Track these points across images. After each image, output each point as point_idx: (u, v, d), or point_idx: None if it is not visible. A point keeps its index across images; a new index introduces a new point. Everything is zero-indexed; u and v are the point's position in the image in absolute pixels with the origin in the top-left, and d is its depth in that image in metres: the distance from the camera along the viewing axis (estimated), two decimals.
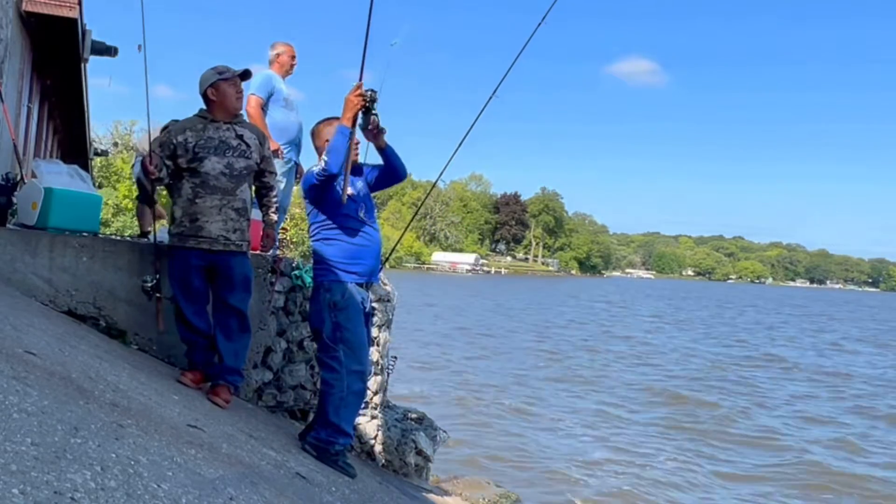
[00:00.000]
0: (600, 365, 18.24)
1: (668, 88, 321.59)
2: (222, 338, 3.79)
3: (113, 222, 36.18)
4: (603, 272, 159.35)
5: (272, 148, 4.83)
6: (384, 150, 3.82)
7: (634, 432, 11.15)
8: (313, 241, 3.82)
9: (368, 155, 3.94)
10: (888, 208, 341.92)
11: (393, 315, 5.33)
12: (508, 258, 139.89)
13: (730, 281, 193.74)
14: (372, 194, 3.97)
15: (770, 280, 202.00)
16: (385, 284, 5.20)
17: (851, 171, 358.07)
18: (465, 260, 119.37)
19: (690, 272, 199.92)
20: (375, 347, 5.07)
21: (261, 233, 4.11)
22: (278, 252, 4.99)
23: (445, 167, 5.41)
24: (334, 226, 3.73)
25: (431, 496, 5.23)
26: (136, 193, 6.25)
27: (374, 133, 3.72)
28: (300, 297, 4.78)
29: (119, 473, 1.73)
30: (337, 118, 3.69)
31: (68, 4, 7.35)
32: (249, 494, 2.23)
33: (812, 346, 27.16)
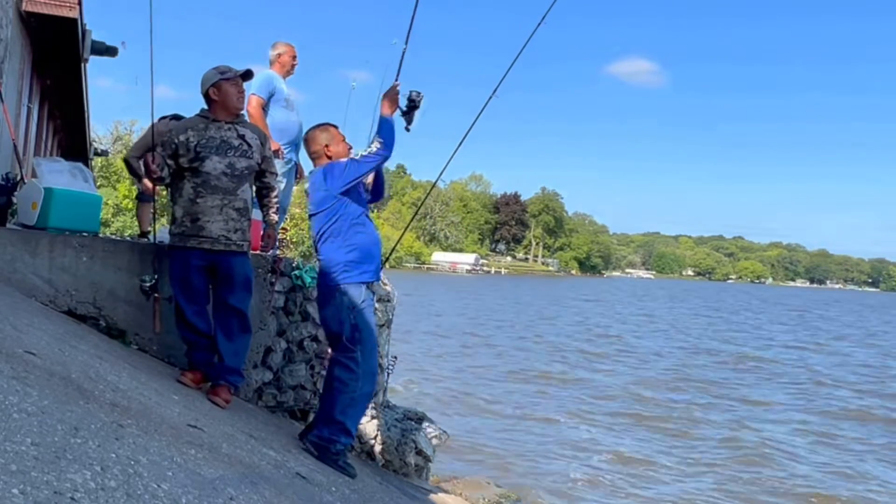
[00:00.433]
0: (601, 365, 18.24)
1: (668, 88, 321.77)
2: (223, 338, 3.79)
3: (113, 222, 36.21)
4: (603, 272, 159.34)
5: (272, 148, 4.83)
6: (378, 171, 3.96)
7: (635, 432, 11.15)
8: (331, 241, 3.78)
9: None
10: (888, 208, 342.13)
11: (393, 315, 5.33)
12: (508, 258, 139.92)
13: (730, 281, 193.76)
14: None
15: (770, 280, 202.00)
16: (385, 284, 5.20)
17: (851, 171, 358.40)
18: (465, 260, 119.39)
19: (690, 272, 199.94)
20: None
21: (261, 233, 4.11)
22: (278, 252, 4.99)
23: (445, 167, 5.42)
24: (350, 226, 3.77)
25: (431, 496, 5.23)
26: (135, 193, 6.25)
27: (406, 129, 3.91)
28: (300, 297, 4.78)
29: (119, 473, 1.73)
30: (331, 125, 3.91)
31: (68, 4, 7.35)
32: (249, 494, 2.23)
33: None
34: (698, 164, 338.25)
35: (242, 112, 4.01)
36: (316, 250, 3.96)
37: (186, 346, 3.93)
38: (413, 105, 3.84)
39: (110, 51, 9.11)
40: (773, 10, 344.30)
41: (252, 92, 5.25)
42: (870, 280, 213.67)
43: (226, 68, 3.88)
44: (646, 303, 54.39)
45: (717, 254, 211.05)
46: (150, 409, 2.72)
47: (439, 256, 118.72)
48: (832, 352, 24.91)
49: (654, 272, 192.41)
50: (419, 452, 5.33)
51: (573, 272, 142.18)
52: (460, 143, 4.95)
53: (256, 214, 4.07)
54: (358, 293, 3.76)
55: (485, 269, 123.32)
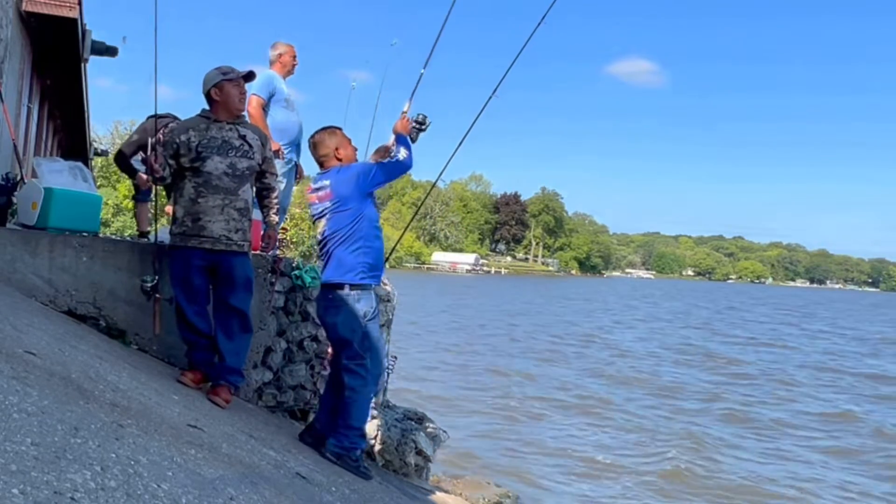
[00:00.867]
0: (602, 365, 18.24)
1: (668, 88, 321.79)
2: (223, 338, 3.79)
3: (113, 222, 36.22)
4: (603, 272, 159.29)
5: (273, 148, 4.83)
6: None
7: (635, 432, 11.15)
8: (343, 247, 3.80)
9: None
10: (888, 208, 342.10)
11: (393, 315, 5.33)
12: (508, 258, 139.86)
13: (730, 281, 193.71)
14: None
15: (770, 280, 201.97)
16: (385, 284, 5.20)
17: (851, 171, 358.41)
18: (465, 260, 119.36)
19: (690, 272, 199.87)
20: None
21: (261, 233, 4.11)
22: (278, 252, 4.99)
23: (445, 167, 5.43)
24: (370, 228, 3.84)
25: (431, 496, 5.23)
26: (134, 193, 6.23)
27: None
28: (300, 297, 4.78)
29: (119, 473, 1.73)
30: (337, 127, 4.02)
31: (68, 4, 7.35)
32: (249, 494, 2.23)
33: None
34: (698, 164, 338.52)
35: (243, 113, 4.01)
36: (323, 250, 3.94)
37: (187, 346, 3.93)
38: (420, 127, 4.09)
39: (110, 51, 9.10)
40: (773, 10, 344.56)
41: (252, 92, 5.24)
42: (870, 280, 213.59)
43: (228, 69, 3.87)
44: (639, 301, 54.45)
45: (717, 254, 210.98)
46: (150, 409, 2.72)
47: (439, 256, 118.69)
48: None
49: (654, 272, 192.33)
50: (419, 452, 5.33)
51: (573, 272, 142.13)
52: (460, 143, 4.97)
53: (257, 215, 4.07)
54: (370, 301, 3.83)
55: (485, 269, 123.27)
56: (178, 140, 3.74)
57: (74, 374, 2.59)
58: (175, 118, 5.38)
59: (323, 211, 3.86)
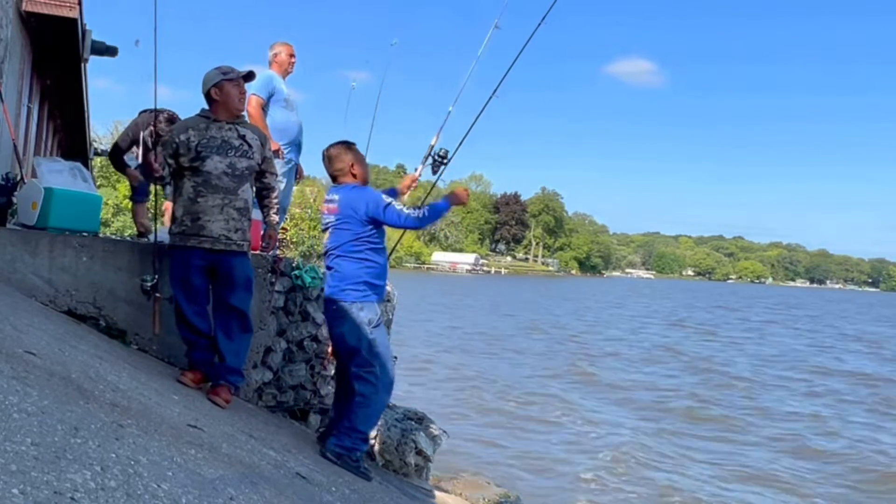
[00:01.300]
0: (600, 365, 18.24)
1: (667, 88, 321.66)
2: (223, 338, 3.79)
3: (113, 222, 36.20)
4: (603, 272, 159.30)
5: (272, 148, 4.83)
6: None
7: (635, 432, 11.15)
8: (350, 258, 3.87)
9: None
10: (888, 208, 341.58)
11: (393, 315, 5.33)
12: (508, 258, 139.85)
13: (730, 281, 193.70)
14: None
15: (770, 280, 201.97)
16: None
17: (851, 171, 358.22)
18: (465, 260, 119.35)
19: (690, 272, 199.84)
20: None
21: (261, 233, 4.11)
22: (278, 252, 4.99)
23: (445, 167, 5.42)
24: (371, 246, 3.90)
25: (431, 496, 5.23)
26: (131, 193, 6.21)
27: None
28: (300, 297, 4.78)
29: (119, 473, 1.73)
30: (351, 143, 4.05)
31: (68, 4, 7.35)
32: (249, 494, 2.23)
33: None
34: (698, 163, 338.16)
35: (243, 113, 4.01)
36: (327, 262, 4.00)
37: (186, 345, 3.93)
38: (442, 161, 4.30)
39: (110, 51, 9.09)
40: (773, 11, 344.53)
41: (252, 92, 5.25)
42: (870, 280, 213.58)
43: (228, 69, 3.87)
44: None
45: (717, 254, 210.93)
46: (150, 409, 2.72)
47: (439, 256, 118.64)
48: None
49: (654, 272, 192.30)
50: (419, 452, 5.33)
51: (573, 272, 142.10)
52: (461, 143, 4.96)
53: (256, 215, 4.07)
54: (373, 309, 3.89)
55: (485, 269, 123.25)
56: (177, 139, 3.74)
57: (74, 374, 2.59)
58: (167, 112, 5.37)
59: (328, 224, 3.97)
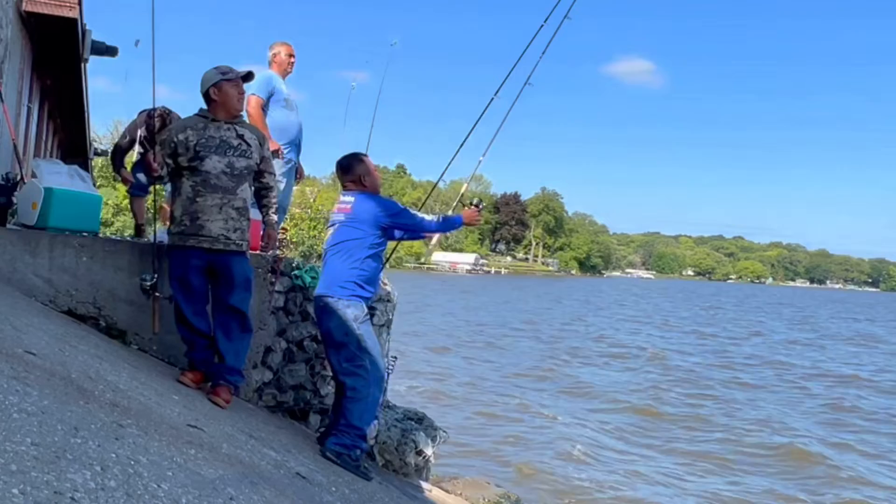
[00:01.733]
0: (599, 366, 18.24)
1: (666, 88, 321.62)
2: (223, 338, 3.79)
3: (113, 222, 36.17)
4: (603, 272, 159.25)
5: (272, 148, 4.83)
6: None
7: (636, 431, 11.15)
8: (346, 258, 3.98)
9: None
10: (888, 208, 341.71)
11: (393, 315, 5.32)
12: (508, 258, 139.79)
13: (730, 281, 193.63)
14: None
15: (770, 280, 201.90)
16: (385, 284, 5.20)
17: (851, 171, 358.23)
18: (465, 260, 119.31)
19: (690, 272, 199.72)
20: None
21: (260, 233, 4.11)
22: (278, 252, 4.99)
23: (446, 169, 5.44)
24: (371, 249, 4.02)
25: (431, 496, 5.23)
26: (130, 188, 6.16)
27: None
28: (300, 297, 4.78)
29: (119, 473, 1.73)
30: (364, 155, 4.25)
31: (68, 4, 7.35)
32: (249, 494, 2.22)
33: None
34: (698, 163, 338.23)
35: (242, 113, 4.01)
36: (324, 258, 4.12)
37: (186, 345, 3.93)
38: (477, 207, 4.45)
39: (110, 51, 9.09)
40: (772, 11, 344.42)
41: (251, 92, 5.25)
42: (870, 280, 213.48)
43: (227, 68, 3.87)
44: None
45: (717, 254, 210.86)
46: (150, 409, 2.72)
47: (439, 256, 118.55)
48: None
49: (654, 272, 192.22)
50: (419, 452, 5.33)
51: (573, 272, 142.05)
52: (462, 144, 4.97)
53: (256, 214, 4.07)
54: (361, 307, 3.97)
55: (485, 269, 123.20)
56: (175, 139, 3.74)
57: (74, 374, 2.59)
58: (160, 108, 5.38)
59: (335, 221, 4.08)
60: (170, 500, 1.74)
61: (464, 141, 4.94)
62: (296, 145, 5.66)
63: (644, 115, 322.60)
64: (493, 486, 7.18)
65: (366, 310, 4.03)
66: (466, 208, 4.42)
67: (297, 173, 5.80)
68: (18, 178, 5.00)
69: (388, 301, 5.22)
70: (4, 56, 6.18)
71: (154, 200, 4.90)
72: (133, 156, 5.82)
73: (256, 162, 3.88)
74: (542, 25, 4.91)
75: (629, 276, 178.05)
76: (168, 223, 3.96)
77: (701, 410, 13.15)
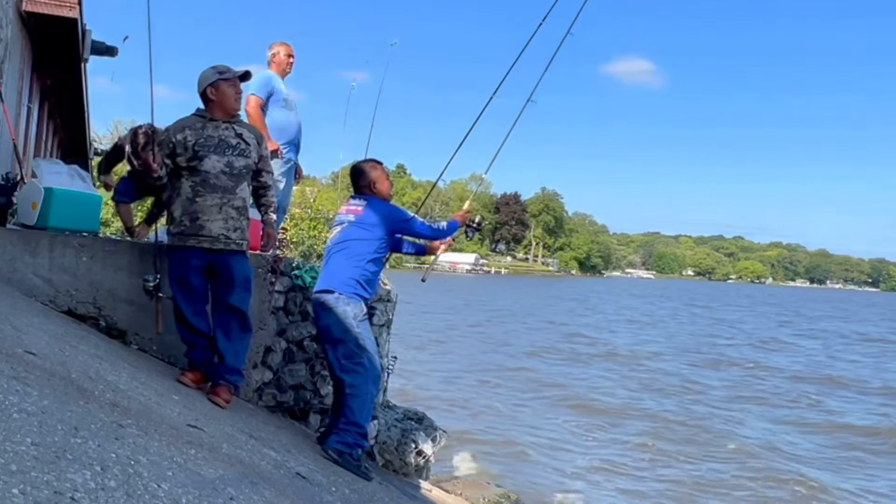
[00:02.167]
0: (598, 366, 18.24)
1: (666, 88, 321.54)
2: (222, 337, 3.79)
3: (113, 222, 36.04)
4: (603, 272, 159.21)
5: (271, 148, 4.83)
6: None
7: (636, 430, 11.16)
8: (348, 258, 4.03)
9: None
10: (888, 208, 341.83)
11: (393, 315, 5.32)
12: (508, 258, 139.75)
13: (730, 281, 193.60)
14: None
15: (770, 280, 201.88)
16: (385, 284, 5.20)
17: (851, 171, 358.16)
18: (465, 260, 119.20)
19: (690, 272, 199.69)
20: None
21: (260, 233, 4.11)
22: (278, 252, 4.99)
23: (445, 168, 5.48)
24: (374, 253, 4.08)
25: (431, 496, 5.23)
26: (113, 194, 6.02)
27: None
28: (300, 296, 4.78)
29: (119, 473, 1.73)
30: (378, 162, 4.32)
31: (68, 4, 7.35)
32: (249, 494, 2.22)
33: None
34: (698, 163, 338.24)
35: (239, 113, 4.00)
36: (326, 255, 4.16)
37: (186, 346, 3.93)
38: (477, 227, 4.61)
39: (110, 51, 9.08)
40: (772, 11, 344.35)
41: (250, 92, 5.25)
42: (870, 280, 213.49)
43: (224, 68, 3.86)
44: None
45: (717, 254, 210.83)
46: (150, 409, 2.72)
47: (439, 256, 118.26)
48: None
49: (654, 272, 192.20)
50: (419, 452, 5.33)
51: (573, 272, 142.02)
52: (461, 144, 4.99)
53: (255, 214, 4.07)
54: (359, 305, 4.01)
55: (485, 269, 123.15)
56: (174, 139, 3.74)
57: (74, 374, 2.59)
58: (145, 126, 5.44)
59: (344, 221, 4.13)
60: (170, 500, 1.74)
61: (460, 144, 4.99)
62: (295, 145, 5.66)
63: (644, 115, 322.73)
64: (494, 485, 7.18)
65: (365, 309, 4.06)
66: (468, 226, 4.55)
67: (296, 173, 5.80)
68: (18, 178, 5.00)
69: (388, 301, 5.22)
70: (4, 56, 6.18)
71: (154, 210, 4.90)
72: (122, 170, 5.81)
73: (255, 161, 3.87)
74: (539, 24, 4.93)
75: (629, 276, 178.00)
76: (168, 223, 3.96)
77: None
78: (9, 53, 6.45)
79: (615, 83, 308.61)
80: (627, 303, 53.44)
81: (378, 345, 4.52)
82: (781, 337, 30.29)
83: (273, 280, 4.59)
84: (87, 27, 8.52)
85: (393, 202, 4.38)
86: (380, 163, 4.31)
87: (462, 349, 19.70)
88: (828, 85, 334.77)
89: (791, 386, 16.51)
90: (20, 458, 1.50)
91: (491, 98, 4.87)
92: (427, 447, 5.40)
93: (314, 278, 4.74)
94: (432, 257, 4.76)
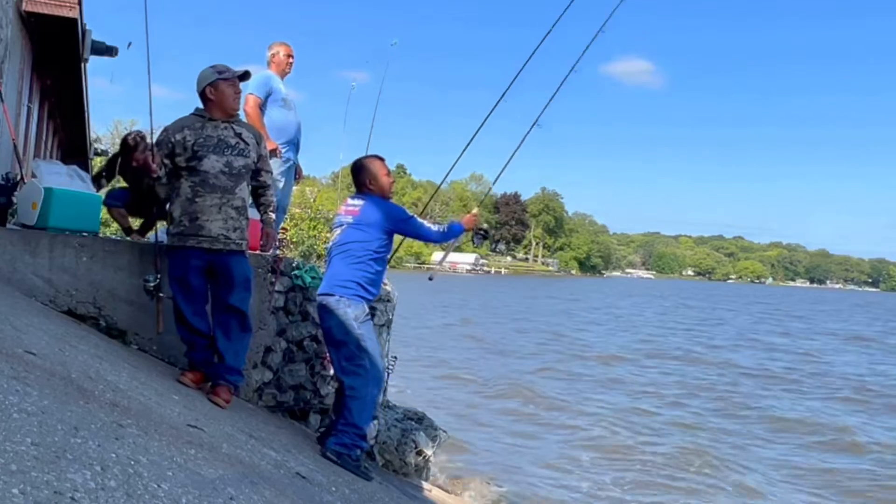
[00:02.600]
0: (596, 367, 18.23)
1: (666, 88, 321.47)
2: (222, 337, 3.79)
3: (113, 222, 36.13)
4: (603, 272, 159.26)
5: (270, 147, 4.83)
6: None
7: (635, 432, 11.15)
8: (350, 259, 4.01)
9: None
10: (888, 208, 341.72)
11: (393, 315, 5.33)
12: (508, 258, 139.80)
13: (730, 281, 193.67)
14: None
15: (770, 280, 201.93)
16: (385, 284, 5.20)
17: (851, 171, 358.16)
18: (466, 260, 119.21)
19: (690, 272, 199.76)
20: None
21: (259, 233, 4.11)
22: (278, 252, 4.99)
23: (449, 171, 5.54)
24: (375, 253, 4.06)
25: (431, 496, 5.23)
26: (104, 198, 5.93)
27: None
28: (300, 296, 4.78)
29: (119, 473, 1.73)
30: (379, 157, 4.27)
31: (68, 4, 7.35)
32: (249, 494, 2.23)
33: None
34: (698, 163, 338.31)
35: (238, 113, 4.00)
36: (328, 258, 4.15)
37: (186, 346, 3.93)
38: (485, 234, 4.60)
39: (110, 51, 9.09)
40: (772, 11, 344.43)
41: (249, 92, 5.25)
42: (870, 280, 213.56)
43: (223, 68, 3.86)
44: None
45: (717, 254, 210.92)
46: (150, 409, 2.72)
47: (440, 256, 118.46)
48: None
49: (654, 272, 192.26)
50: (419, 452, 5.33)
51: (573, 272, 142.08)
52: (466, 147, 5.03)
53: (255, 214, 4.07)
54: (362, 306, 4.00)
55: (485, 269, 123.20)
56: (173, 139, 3.73)
57: (74, 374, 2.59)
58: (135, 133, 5.51)
59: (343, 223, 4.11)
60: (170, 500, 1.74)
61: (467, 145, 5.00)
62: (294, 145, 5.66)
63: (644, 115, 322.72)
64: (494, 485, 7.18)
65: (367, 310, 4.05)
66: (476, 233, 4.53)
67: (296, 173, 5.81)
68: (18, 178, 5.00)
69: (388, 301, 5.23)
70: (4, 56, 6.18)
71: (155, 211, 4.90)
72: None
73: (254, 160, 3.87)
74: (549, 31, 4.98)
75: (629, 276, 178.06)
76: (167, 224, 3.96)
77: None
78: (9, 53, 6.45)
79: (615, 83, 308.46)
80: (614, 302, 53.30)
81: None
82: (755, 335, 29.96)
83: (273, 280, 4.59)
84: (87, 27, 8.52)
85: (393, 202, 4.37)
86: (375, 159, 4.27)
87: (462, 349, 19.71)
88: (828, 84, 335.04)
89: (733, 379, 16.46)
90: (20, 458, 1.50)
91: (497, 102, 4.95)
92: (427, 447, 5.40)
93: (314, 278, 4.74)
94: (434, 258, 4.78)
